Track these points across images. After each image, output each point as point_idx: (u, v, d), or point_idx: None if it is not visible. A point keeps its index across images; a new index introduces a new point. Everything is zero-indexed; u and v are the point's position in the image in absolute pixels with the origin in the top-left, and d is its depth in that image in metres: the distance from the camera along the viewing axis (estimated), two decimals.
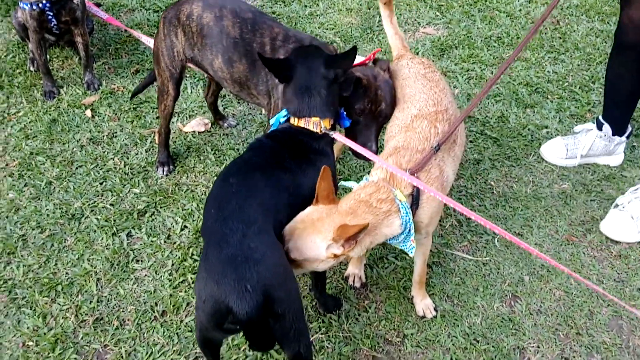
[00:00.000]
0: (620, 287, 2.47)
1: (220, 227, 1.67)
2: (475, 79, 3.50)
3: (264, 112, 3.10)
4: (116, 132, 3.02)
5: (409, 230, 1.91)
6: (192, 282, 2.37)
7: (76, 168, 2.83)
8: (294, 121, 1.99)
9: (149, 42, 2.86)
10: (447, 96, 2.20)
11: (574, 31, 3.94)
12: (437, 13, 4.05)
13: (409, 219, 1.89)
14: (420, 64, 2.33)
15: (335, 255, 1.81)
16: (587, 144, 2.91)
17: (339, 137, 2.03)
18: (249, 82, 2.33)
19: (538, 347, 2.26)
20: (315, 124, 1.97)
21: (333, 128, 2.04)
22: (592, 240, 2.65)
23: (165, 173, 2.80)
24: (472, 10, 4.09)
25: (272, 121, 2.06)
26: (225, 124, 3.08)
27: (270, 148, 1.93)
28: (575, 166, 2.98)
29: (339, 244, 1.79)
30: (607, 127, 2.88)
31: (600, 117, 2.92)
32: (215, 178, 1.95)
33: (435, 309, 2.32)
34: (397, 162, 1.94)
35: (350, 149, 2.11)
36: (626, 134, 2.92)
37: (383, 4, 2.44)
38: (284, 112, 2.01)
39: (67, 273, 2.39)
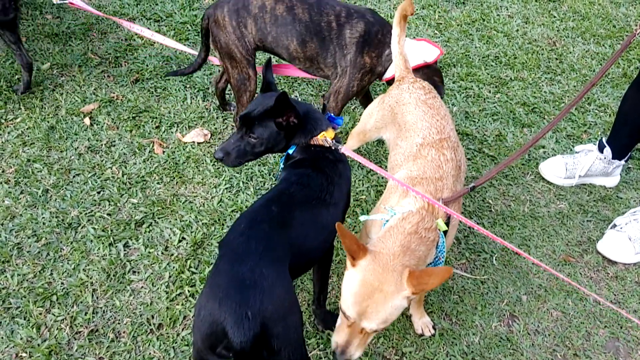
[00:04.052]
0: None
1: (241, 244, 1.65)
2: (473, 97, 3.53)
3: None
4: (115, 141, 3.00)
5: (438, 260, 1.89)
6: (190, 295, 2.35)
7: (73, 176, 2.80)
8: (307, 142, 2.01)
9: (132, 27, 3.14)
10: (449, 123, 2.18)
11: (570, 53, 4.00)
12: (436, 31, 4.09)
13: (443, 248, 1.87)
14: (421, 89, 2.31)
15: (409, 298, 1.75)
16: (587, 164, 2.93)
17: (347, 151, 2.03)
18: (319, 57, 2.73)
19: None
20: (324, 139, 2.00)
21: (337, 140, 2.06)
22: (589, 261, 2.66)
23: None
24: (470, 30, 4.13)
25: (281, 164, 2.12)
26: (232, 108, 3.29)
27: (315, 181, 1.92)
28: (572, 186, 3.00)
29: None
30: (608, 151, 2.91)
31: (604, 140, 2.95)
32: (258, 198, 2.02)
33: (433, 327, 2.32)
34: (426, 192, 1.91)
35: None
36: (625, 158, 2.95)
37: (398, 22, 2.43)
38: (292, 148, 2.04)
39: (62, 283, 2.36)
